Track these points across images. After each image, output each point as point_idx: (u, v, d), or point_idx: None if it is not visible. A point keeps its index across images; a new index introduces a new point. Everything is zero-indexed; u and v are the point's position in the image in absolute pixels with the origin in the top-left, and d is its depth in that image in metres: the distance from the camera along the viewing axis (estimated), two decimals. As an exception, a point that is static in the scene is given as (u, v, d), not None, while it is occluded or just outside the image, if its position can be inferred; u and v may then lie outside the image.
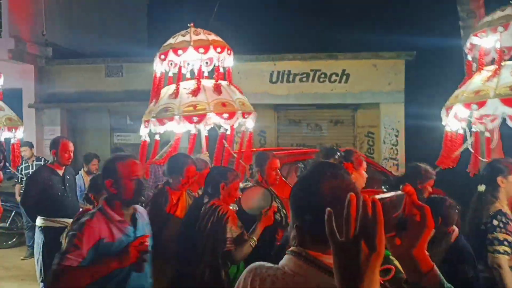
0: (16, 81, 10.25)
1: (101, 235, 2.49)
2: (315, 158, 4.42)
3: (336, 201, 1.15)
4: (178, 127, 4.72)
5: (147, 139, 4.90)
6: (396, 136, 10.41)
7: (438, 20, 11.53)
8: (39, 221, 5.03)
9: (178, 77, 4.78)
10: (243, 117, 4.65)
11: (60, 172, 5.15)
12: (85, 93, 11.37)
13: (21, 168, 7.76)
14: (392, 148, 10.31)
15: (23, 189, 5.87)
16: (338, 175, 1.36)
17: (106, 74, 11.59)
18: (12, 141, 5.82)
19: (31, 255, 7.59)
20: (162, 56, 4.76)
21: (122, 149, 7.93)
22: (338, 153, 3.83)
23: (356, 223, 1.02)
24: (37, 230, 5.06)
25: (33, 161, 7.93)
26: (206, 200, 3.41)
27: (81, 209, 4.62)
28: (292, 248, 1.36)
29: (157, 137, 4.89)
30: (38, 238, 5.01)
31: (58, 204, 5.03)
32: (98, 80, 11.49)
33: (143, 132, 4.86)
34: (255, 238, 3.27)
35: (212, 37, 4.82)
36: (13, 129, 5.61)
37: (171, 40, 4.83)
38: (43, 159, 8.17)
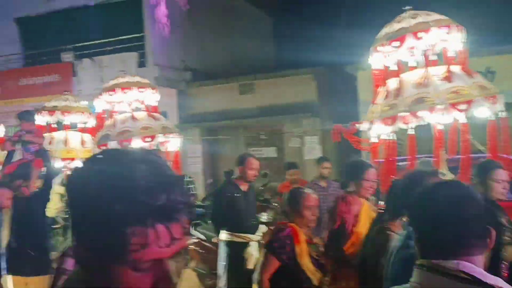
0: (161, 105, 11.15)
1: None
2: None
3: (453, 209, 1.36)
4: (439, 118, 4.14)
5: (391, 137, 4.43)
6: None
7: None
8: (223, 235, 5.16)
9: (427, 63, 4.29)
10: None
11: (244, 188, 5.20)
12: (221, 112, 11.99)
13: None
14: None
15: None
16: (454, 187, 1.50)
17: (239, 92, 12.10)
18: (171, 148, 5.97)
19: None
20: (396, 43, 4.23)
21: (296, 164, 7.64)
22: None
23: None
24: (221, 243, 5.20)
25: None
26: (385, 217, 2.89)
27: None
28: (416, 262, 1.43)
29: (392, 136, 4.44)
30: (223, 251, 5.16)
31: (240, 219, 5.09)
32: (232, 98, 12.05)
33: (379, 131, 4.41)
34: None
35: (443, 16, 4.34)
36: (169, 135, 5.82)
37: (399, 25, 4.29)
38: (187, 176, 8.71)
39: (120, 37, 12.20)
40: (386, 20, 4.59)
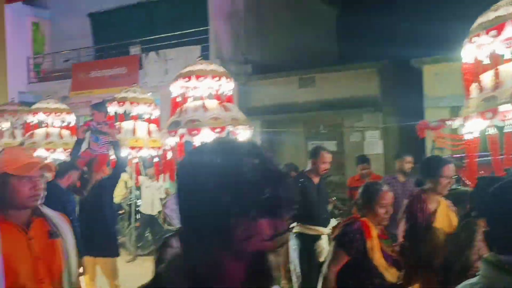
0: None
1: None
2: None
3: None
4: None
5: (491, 132, 4.17)
6: None
7: None
8: (294, 227, 5.14)
9: None
10: None
11: (315, 181, 5.20)
12: (281, 105, 12.01)
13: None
14: None
15: None
16: None
17: (299, 85, 12.05)
18: (241, 139, 5.92)
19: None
20: (494, 32, 3.90)
21: (367, 158, 7.51)
22: None
23: None
24: (292, 236, 5.18)
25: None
26: (474, 214, 2.90)
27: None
28: (484, 255, 1.47)
29: (493, 131, 4.16)
30: (294, 243, 5.18)
31: (312, 212, 5.03)
32: (292, 92, 12.02)
33: (474, 128, 4.16)
34: None
35: None
36: (238, 127, 5.75)
37: (496, 13, 3.97)
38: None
39: (184, 31, 12.50)
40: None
